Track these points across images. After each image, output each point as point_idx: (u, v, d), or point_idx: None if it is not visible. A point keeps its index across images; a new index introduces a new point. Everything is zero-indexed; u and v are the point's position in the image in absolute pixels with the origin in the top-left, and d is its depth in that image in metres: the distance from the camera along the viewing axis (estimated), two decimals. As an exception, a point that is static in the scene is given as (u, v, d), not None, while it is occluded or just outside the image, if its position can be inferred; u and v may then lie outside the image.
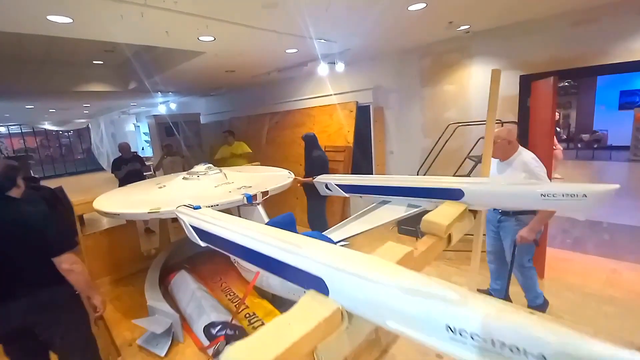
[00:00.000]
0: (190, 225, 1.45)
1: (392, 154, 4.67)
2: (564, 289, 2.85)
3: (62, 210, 2.85)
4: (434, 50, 3.99)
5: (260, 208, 2.11)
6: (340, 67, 3.87)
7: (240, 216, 2.35)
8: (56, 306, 1.50)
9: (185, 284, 2.24)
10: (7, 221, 1.40)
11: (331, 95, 5.03)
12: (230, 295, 2.26)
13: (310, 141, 3.93)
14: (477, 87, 3.75)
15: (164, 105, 8.21)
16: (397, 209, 1.87)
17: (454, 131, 3.79)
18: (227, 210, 2.10)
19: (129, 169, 4.56)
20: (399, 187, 1.83)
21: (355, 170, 4.82)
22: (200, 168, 2.55)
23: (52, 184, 4.32)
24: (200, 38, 2.74)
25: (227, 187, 2.37)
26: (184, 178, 2.53)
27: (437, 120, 4.09)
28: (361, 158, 4.83)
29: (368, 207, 2.06)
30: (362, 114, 4.76)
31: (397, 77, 4.37)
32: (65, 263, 1.45)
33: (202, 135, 7.59)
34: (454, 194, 1.57)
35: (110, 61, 4.89)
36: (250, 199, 2.01)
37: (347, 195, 2.14)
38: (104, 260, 2.73)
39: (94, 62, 4.86)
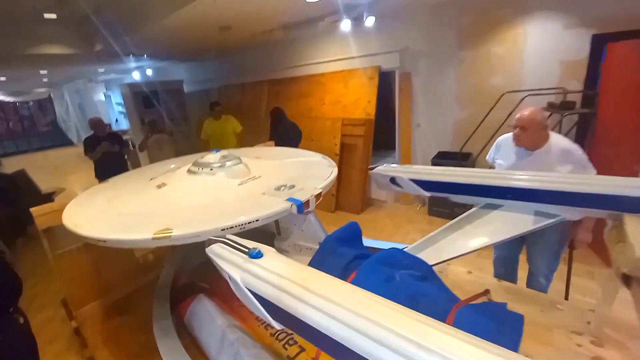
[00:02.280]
0: (251, 291, 0.86)
1: (419, 127, 4.09)
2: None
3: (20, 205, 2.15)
4: (477, 5, 3.30)
5: (313, 217, 1.53)
6: (370, 21, 3.14)
7: (278, 229, 1.76)
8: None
9: (209, 318, 1.68)
10: None
11: (347, 59, 4.29)
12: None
13: (281, 113, 3.94)
14: (533, 49, 3.14)
15: (138, 71, 7.12)
16: (518, 219, 1.34)
17: (497, 101, 3.22)
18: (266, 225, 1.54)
19: (106, 149, 3.75)
20: (530, 189, 1.28)
21: (375, 147, 4.24)
22: (212, 157, 1.89)
23: (13, 163, 3.50)
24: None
25: (255, 185, 1.76)
26: (189, 171, 1.86)
27: (479, 89, 3.50)
28: (382, 132, 4.23)
29: (467, 214, 1.52)
30: (383, 81, 4.09)
31: (429, 37, 3.67)
32: None
33: (187, 106, 6.67)
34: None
35: (66, 17, 3.88)
36: (302, 207, 1.42)
37: (427, 194, 1.58)
38: (88, 282, 2.10)
39: (45, 15, 3.84)
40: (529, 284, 2.08)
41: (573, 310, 1.43)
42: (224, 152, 1.94)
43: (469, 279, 1.82)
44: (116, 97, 10.52)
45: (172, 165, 2.34)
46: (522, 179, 1.32)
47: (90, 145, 3.76)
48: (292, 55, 4.97)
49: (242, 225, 1.27)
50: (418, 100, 3.98)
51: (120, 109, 10.00)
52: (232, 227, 1.25)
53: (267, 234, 2.05)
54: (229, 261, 0.96)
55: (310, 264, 1.67)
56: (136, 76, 7.06)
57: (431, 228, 3.61)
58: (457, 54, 3.54)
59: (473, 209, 1.52)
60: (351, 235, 1.58)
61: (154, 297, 1.80)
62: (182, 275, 2.13)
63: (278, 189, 1.57)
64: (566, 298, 2.11)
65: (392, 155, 4.45)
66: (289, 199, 1.46)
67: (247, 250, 0.95)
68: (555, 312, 1.44)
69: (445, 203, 3.70)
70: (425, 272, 1.45)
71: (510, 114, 3.04)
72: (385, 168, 1.72)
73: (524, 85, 3.18)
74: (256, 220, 1.31)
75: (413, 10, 3.64)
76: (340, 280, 0.79)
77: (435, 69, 3.73)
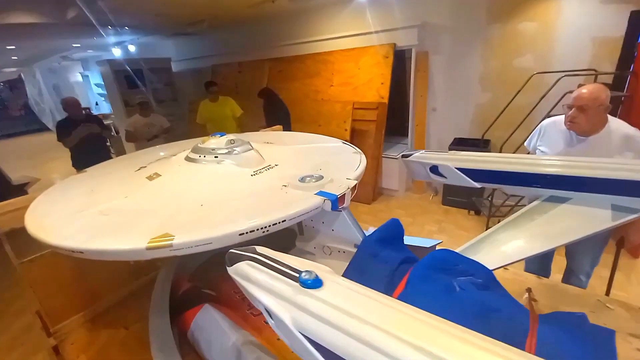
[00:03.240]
0: (307, 337, 0.55)
1: (434, 111, 3.79)
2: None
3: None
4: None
5: (347, 215, 1.24)
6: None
7: (301, 227, 1.45)
8: None
9: (219, 333, 1.37)
10: None
11: (358, 35, 3.91)
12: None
13: (272, 94, 3.77)
14: (566, 25, 2.85)
15: (119, 47, 6.52)
16: (594, 215, 1.11)
17: (526, 82, 2.93)
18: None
19: (83, 133, 3.26)
20: (608, 179, 1.05)
21: (385, 133, 3.93)
22: (216, 142, 1.55)
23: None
24: None
25: (272, 176, 1.43)
26: (188, 159, 1.52)
27: (506, 69, 3.20)
28: (393, 117, 3.92)
29: (528, 209, 1.26)
30: (395, 61, 3.74)
31: (452, 10, 3.33)
32: None
33: (177, 87, 6.17)
34: None
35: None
36: (336, 203, 1.13)
37: (476, 185, 1.30)
38: (68, 291, 1.74)
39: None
40: (567, 281, 1.91)
41: (626, 309, 1.28)
42: (230, 136, 1.60)
43: (506, 276, 1.60)
44: (95, 78, 9.80)
45: (162, 153, 1.99)
46: (596, 167, 1.09)
47: (64, 130, 3.26)
48: (296, 30, 4.52)
49: (265, 227, 0.96)
50: (435, 82, 3.66)
51: (101, 90, 9.32)
52: (253, 231, 0.94)
53: (286, 233, 1.76)
54: (268, 290, 0.64)
55: (347, 272, 1.39)
56: (117, 53, 6.47)
57: (447, 218, 3.49)
58: (484, 30, 3.21)
59: (534, 204, 1.28)
60: (393, 234, 1.29)
61: (150, 308, 1.48)
62: (182, 279, 1.81)
63: (303, 180, 1.24)
64: (607, 294, 1.94)
65: (403, 142, 4.15)
66: (320, 193, 1.16)
67: (296, 274, 0.63)
68: (605, 312, 1.31)
69: (461, 192, 3.46)
70: (487, 279, 1.19)
71: (543, 96, 2.75)
72: (425, 155, 1.44)
73: (554, 67, 2.89)
74: (282, 221, 1.00)
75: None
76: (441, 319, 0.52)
77: (458, 46, 3.40)
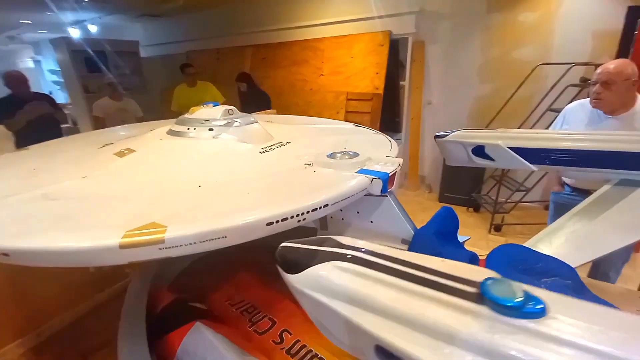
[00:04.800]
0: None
1: (429, 104, 3.63)
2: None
3: None
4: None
5: (394, 201, 0.98)
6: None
7: (323, 222, 1.14)
8: None
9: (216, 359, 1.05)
10: None
11: (350, 21, 3.67)
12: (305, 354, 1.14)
13: (250, 79, 3.53)
14: (567, 17, 2.80)
15: (78, 28, 5.80)
16: None
17: (529, 74, 2.85)
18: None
19: (32, 114, 2.72)
20: None
21: (382, 126, 3.72)
22: (209, 113, 1.22)
23: None
24: None
25: (287, 153, 1.14)
26: (172, 133, 1.18)
27: (506, 61, 3.10)
28: (384, 110, 3.72)
29: (598, 195, 1.08)
30: (391, 49, 3.55)
31: (452, -4, 3.19)
32: None
33: (146, 75, 5.59)
34: None
35: None
36: (386, 184, 0.87)
37: (533, 167, 1.09)
38: (4, 312, 1.31)
39: None
40: (594, 278, 1.79)
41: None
42: (227, 106, 1.28)
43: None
44: (49, 64, 8.82)
45: (123, 133, 1.61)
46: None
47: (7, 110, 2.72)
48: (282, 14, 4.20)
49: (301, 215, 0.68)
50: (432, 73, 3.51)
51: (55, 78, 8.40)
52: (286, 219, 0.66)
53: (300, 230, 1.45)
54: (408, 320, 0.32)
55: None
56: (75, 34, 5.76)
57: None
58: (484, 19, 3.10)
59: (605, 189, 1.10)
60: (449, 227, 1.04)
61: (119, 329, 1.11)
62: (161, 289, 1.43)
63: (332, 156, 0.95)
64: (640, 289, 1.84)
65: (396, 137, 3.96)
66: (362, 172, 0.89)
67: (471, 288, 0.32)
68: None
69: (460, 189, 3.32)
70: (575, 281, 0.97)
71: (553, 86, 2.65)
72: (467, 133, 1.21)
73: (553, 59, 2.83)
74: (324, 206, 0.72)
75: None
76: None
77: (456, 35, 3.26)
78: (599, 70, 1.49)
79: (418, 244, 0.95)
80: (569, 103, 2.75)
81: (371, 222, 1.05)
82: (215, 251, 0.61)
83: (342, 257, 0.40)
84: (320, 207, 0.70)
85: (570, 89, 2.61)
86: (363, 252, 0.41)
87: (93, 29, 5.54)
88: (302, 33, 4.04)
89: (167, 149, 1.09)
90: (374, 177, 0.83)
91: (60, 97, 7.90)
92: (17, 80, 2.77)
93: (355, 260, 0.39)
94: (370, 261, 0.39)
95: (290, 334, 1.19)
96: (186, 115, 1.22)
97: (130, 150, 1.06)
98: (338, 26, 3.76)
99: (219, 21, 4.90)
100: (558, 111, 2.71)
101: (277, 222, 0.64)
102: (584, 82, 2.60)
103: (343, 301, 0.36)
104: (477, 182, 3.28)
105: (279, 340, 1.17)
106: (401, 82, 3.65)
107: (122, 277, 1.64)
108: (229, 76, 4.53)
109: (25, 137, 2.82)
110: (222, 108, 1.23)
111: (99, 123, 3.21)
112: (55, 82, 8.33)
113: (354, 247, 0.43)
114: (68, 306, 1.47)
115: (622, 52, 2.67)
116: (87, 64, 4.88)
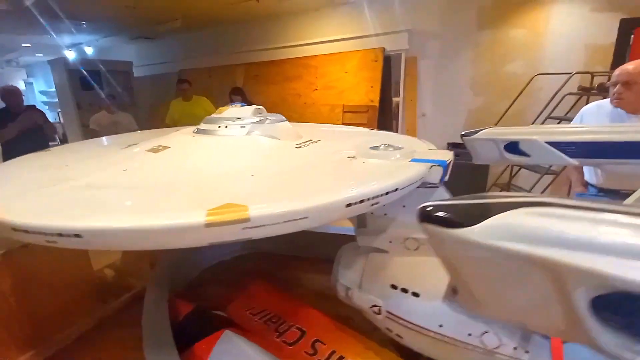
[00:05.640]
0: None
1: (424, 116, 3.76)
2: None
3: None
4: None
5: (444, 191, 1.00)
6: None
7: (362, 219, 1.14)
8: None
9: None
10: None
11: (344, 40, 3.83)
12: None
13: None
14: (557, 33, 2.99)
15: (74, 50, 5.84)
16: None
17: (526, 86, 2.99)
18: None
19: (24, 125, 2.78)
20: None
21: (378, 140, 3.80)
22: (238, 112, 1.24)
23: None
24: None
25: (323, 149, 1.16)
26: (200, 132, 1.19)
27: (498, 74, 3.28)
28: (382, 122, 3.82)
29: None
30: (384, 64, 3.70)
31: (443, 16, 3.39)
32: None
33: (136, 93, 5.61)
34: None
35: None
36: (446, 171, 0.89)
37: (573, 162, 1.12)
38: (10, 325, 1.22)
39: None
40: None
41: None
42: (256, 106, 1.30)
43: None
44: (40, 85, 8.76)
45: (136, 137, 1.56)
46: None
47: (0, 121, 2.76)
48: (275, 34, 4.37)
49: (374, 198, 0.69)
50: (424, 87, 3.67)
51: (45, 98, 8.33)
52: (362, 201, 0.67)
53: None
54: None
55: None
56: (71, 56, 5.78)
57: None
58: (475, 35, 3.29)
59: None
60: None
61: (144, 341, 1.05)
62: (177, 299, 1.38)
63: (376, 149, 0.98)
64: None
65: (392, 149, 4.05)
66: (415, 160, 0.91)
67: None
68: None
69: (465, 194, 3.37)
70: None
71: (554, 95, 2.74)
72: (499, 130, 1.23)
73: (547, 71, 3.01)
74: (394, 190, 0.74)
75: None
76: None
77: (448, 51, 3.45)
78: (617, 71, 1.55)
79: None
80: (567, 112, 2.83)
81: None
82: (222, 261, 0.59)
83: (536, 204, 0.37)
84: (391, 191, 0.72)
85: (568, 97, 2.72)
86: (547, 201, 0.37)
87: (89, 50, 5.58)
88: (295, 51, 4.19)
89: (202, 145, 1.09)
90: (432, 164, 0.85)
91: (50, 116, 7.78)
92: (11, 93, 2.87)
93: (555, 205, 0.36)
94: (572, 205, 0.35)
95: (324, 344, 1.16)
96: (214, 115, 1.24)
97: (164, 147, 1.06)
98: (331, 45, 3.93)
99: (212, 41, 5.05)
100: (558, 119, 2.86)
101: (355, 204, 0.66)
102: (582, 91, 2.72)
103: (555, 246, 0.33)
104: (479, 192, 3.33)
105: (313, 352, 1.14)
106: (394, 99, 3.79)
107: (125, 289, 1.58)
108: (222, 93, 4.59)
109: (14, 149, 2.82)
110: (252, 107, 1.25)
111: (94, 136, 3.22)
112: (45, 102, 8.25)
113: (530, 197, 0.40)
114: (73, 320, 1.39)
115: (617, 63, 2.82)
116: (82, 82, 4.90)
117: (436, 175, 0.85)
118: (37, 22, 3.86)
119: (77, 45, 5.62)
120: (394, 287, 0.98)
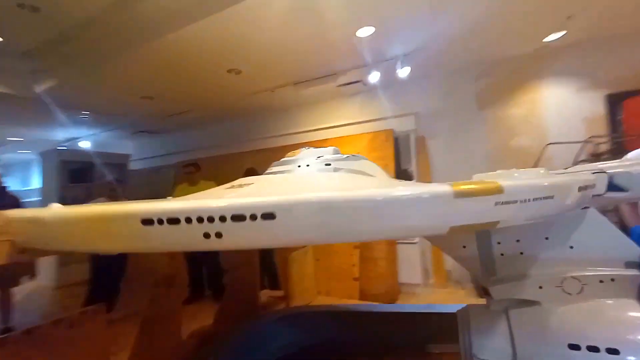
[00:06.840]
0: None
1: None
2: None
3: None
4: (491, 71, 3.53)
5: (598, 214, 0.80)
6: (404, 71, 3.03)
7: (489, 264, 0.89)
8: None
9: None
10: None
11: (354, 124, 4.06)
12: None
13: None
14: (553, 111, 3.25)
15: (67, 146, 5.81)
16: None
17: (540, 156, 3.09)
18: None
19: None
20: None
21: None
22: (320, 151, 1.11)
23: None
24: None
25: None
26: (271, 173, 1.00)
27: (507, 147, 3.43)
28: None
29: None
30: (395, 143, 3.85)
31: (445, 99, 3.71)
32: None
33: (130, 186, 5.42)
34: None
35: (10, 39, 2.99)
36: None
37: None
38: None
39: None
40: None
41: None
42: (328, 147, 1.17)
43: None
44: (15, 185, 8.41)
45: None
46: None
47: None
48: (283, 122, 4.59)
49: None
50: (436, 162, 3.75)
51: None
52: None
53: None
54: None
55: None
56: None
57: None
58: (478, 114, 3.54)
59: None
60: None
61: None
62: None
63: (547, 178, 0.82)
64: None
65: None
66: (595, 171, 0.76)
67: None
68: None
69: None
70: None
71: (574, 162, 2.79)
72: (587, 166, 1.14)
73: (548, 141, 3.17)
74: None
75: (429, 73, 3.66)
76: None
77: (455, 130, 3.62)
78: None
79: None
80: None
81: (571, 247, 0.83)
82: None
83: None
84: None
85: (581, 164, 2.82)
86: None
87: (86, 144, 5.54)
88: (305, 136, 4.34)
89: (287, 179, 0.89)
90: (606, 174, 0.70)
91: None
92: None
93: None
94: None
95: None
96: (287, 157, 1.09)
97: (247, 184, 0.84)
98: (340, 128, 4.13)
99: (219, 134, 5.22)
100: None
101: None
102: (594, 157, 2.83)
103: None
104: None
105: None
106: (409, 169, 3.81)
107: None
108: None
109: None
110: (327, 149, 1.12)
111: None
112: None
113: None
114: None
115: (614, 130, 3.02)
116: (72, 175, 4.73)
117: (601, 186, 0.69)
118: (38, 112, 3.86)
119: (74, 140, 5.59)
120: (574, 347, 0.71)
